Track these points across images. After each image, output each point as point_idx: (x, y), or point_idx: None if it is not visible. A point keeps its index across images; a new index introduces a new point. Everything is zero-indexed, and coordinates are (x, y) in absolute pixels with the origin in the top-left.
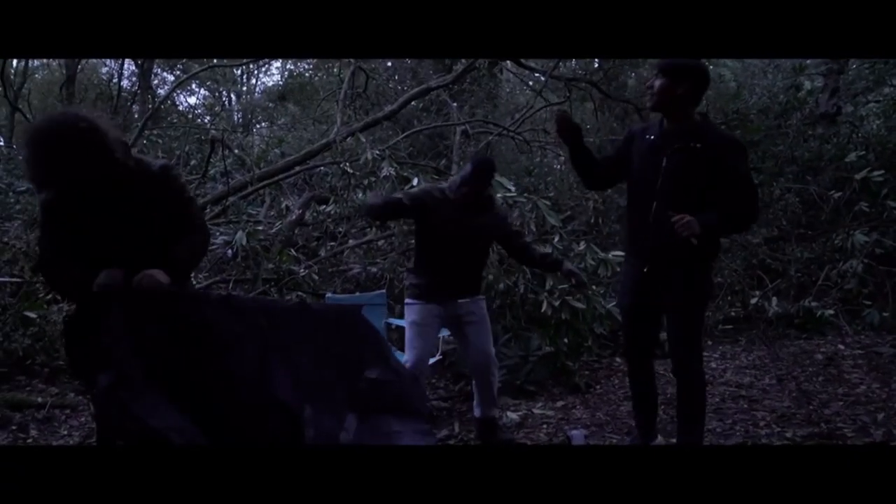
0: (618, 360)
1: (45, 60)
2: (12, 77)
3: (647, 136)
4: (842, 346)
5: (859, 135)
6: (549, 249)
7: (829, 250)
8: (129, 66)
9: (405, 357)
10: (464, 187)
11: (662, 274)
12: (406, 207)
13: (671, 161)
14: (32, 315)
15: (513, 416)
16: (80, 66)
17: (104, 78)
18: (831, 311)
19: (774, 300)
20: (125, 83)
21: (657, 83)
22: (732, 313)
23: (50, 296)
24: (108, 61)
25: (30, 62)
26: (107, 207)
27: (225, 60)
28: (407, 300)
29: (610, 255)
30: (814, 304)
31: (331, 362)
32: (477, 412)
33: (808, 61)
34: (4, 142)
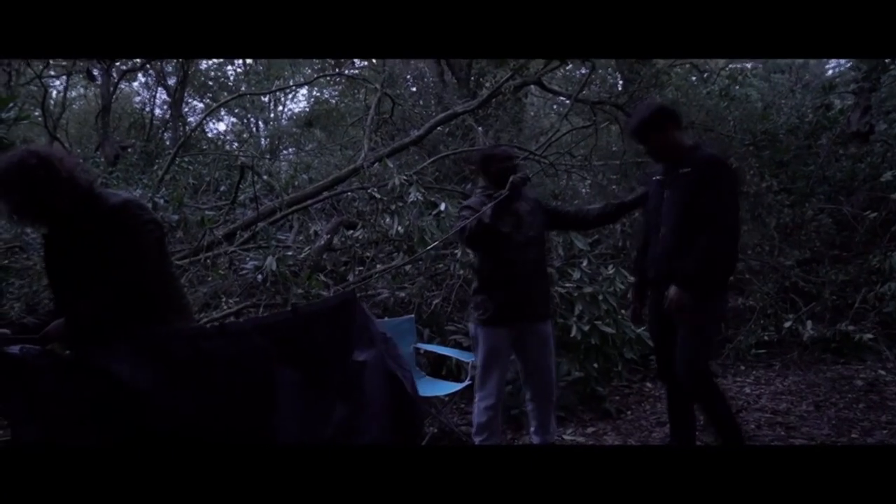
0: (648, 385)
1: (82, 91)
2: (52, 107)
3: (655, 178)
4: (883, 372)
5: (894, 153)
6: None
7: (865, 272)
8: (161, 95)
9: (485, 387)
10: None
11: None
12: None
13: (670, 190)
14: None
15: None
16: (114, 97)
17: (137, 107)
18: (870, 335)
19: (809, 324)
20: (157, 112)
21: (650, 145)
22: (766, 337)
23: None
24: (140, 91)
25: (68, 93)
26: (62, 244)
27: (253, 87)
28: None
29: None
30: (851, 327)
31: (325, 354)
32: (537, 439)
33: (838, 79)
34: None
